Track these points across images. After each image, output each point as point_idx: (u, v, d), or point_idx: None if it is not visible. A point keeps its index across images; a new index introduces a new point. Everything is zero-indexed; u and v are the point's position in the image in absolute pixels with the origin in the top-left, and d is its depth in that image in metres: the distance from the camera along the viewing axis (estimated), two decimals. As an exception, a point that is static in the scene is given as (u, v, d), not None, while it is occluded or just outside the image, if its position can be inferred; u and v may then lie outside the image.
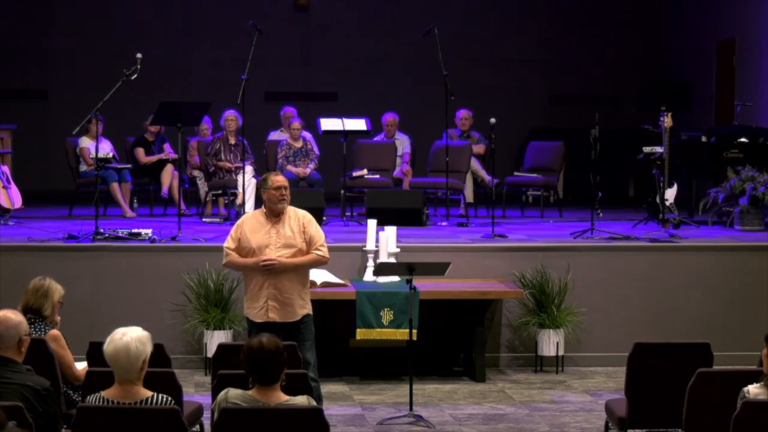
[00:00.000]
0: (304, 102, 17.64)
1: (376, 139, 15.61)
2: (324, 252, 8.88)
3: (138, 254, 11.40)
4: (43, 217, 14.08)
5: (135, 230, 11.82)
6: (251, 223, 8.90)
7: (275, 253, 8.77)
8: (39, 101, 18.93)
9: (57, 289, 7.87)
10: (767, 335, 6.45)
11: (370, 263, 11.03)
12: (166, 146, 15.40)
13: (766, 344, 6.45)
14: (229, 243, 8.89)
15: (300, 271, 8.89)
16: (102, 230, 11.72)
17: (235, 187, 14.20)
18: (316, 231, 8.91)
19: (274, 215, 8.87)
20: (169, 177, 15.11)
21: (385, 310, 10.46)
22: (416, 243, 11.72)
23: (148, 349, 6.13)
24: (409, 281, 9.41)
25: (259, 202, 14.04)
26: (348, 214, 14.31)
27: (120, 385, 6.11)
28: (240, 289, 11.07)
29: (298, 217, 8.90)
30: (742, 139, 14.02)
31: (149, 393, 6.13)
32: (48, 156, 17.56)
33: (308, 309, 8.92)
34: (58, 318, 7.95)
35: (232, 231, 8.94)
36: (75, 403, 7.31)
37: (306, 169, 14.59)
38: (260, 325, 8.68)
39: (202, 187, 15.16)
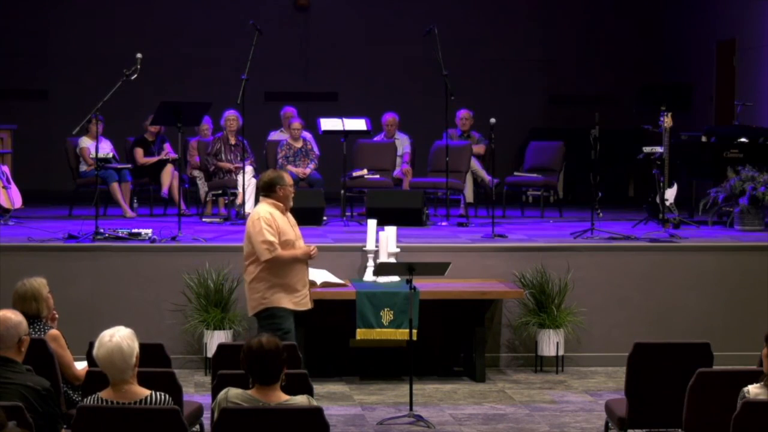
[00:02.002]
0: (304, 102, 17.64)
1: (376, 139, 15.62)
2: None
3: (138, 254, 11.39)
4: (43, 217, 14.09)
5: (135, 230, 11.81)
6: (279, 218, 9.15)
7: (303, 244, 9.30)
8: (39, 101, 18.93)
9: (40, 284, 7.77)
10: (767, 335, 6.45)
11: (370, 263, 11.02)
12: (166, 146, 15.40)
13: (766, 344, 6.45)
14: (273, 238, 9.03)
15: None
16: (102, 230, 11.72)
17: (235, 187, 14.21)
18: None
19: (286, 210, 9.23)
20: (169, 177, 15.10)
21: (385, 310, 10.46)
22: (416, 243, 11.71)
23: (137, 345, 6.17)
24: (409, 281, 9.41)
25: (257, 203, 14.05)
26: (348, 214, 14.30)
27: (115, 386, 6.11)
28: (240, 290, 11.08)
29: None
30: (742, 139, 14.02)
31: (147, 391, 6.13)
32: (48, 156, 17.54)
33: None
34: (56, 314, 7.93)
35: (268, 227, 9.02)
36: (75, 403, 7.31)
37: (306, 169, 14.59)
38: (302, 313, 9.31)
39: (202, 187, 15.16)
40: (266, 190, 9.23)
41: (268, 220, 9.05)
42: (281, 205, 9.17)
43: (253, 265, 9.16)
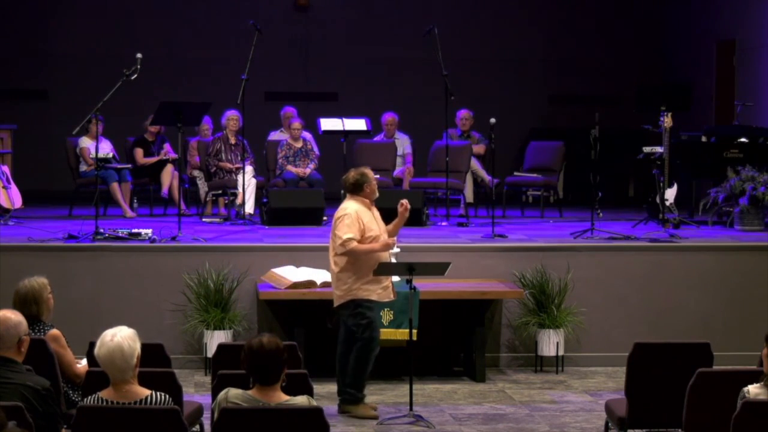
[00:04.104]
0: (304, 102, 17.64)
1: (376, 139, 15.61)
2: None
3: (138, 254, 11.39)
4: (43, 217, 14.08)
5: (135, 230, 11.81)
6: (365, 215, 9.48)
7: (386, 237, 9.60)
8: (39, 101, 18.91)
9: (41, 286, 7.76)
10: (767, 335, 6.45)
11: (370, 263, 11.02)
12: (166, 146, 15.40)
13: (766, 344, 6.45)
14: (352, 234, 9.32)
15: None
16: (102, 230, 11.72)
17: (235, 187, 14.21)
18: None
19: (372, 205, 9.56)
20: (169, 177, 15.10)
21: (385, 310, 10.46)
22: (416, 243, 11.71)
23: (139, 345, 6.17)
24: (409, 281, 9.42)
25: (257, 203, 14.07)
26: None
27: (116, 385, 6.11)
28: (240, 290, 11.10)
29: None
30: (742, 139, 14.03)
31: (147, 391, 6.13)
32: (48, 156, 17.54)
33: None
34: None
35: (352, 224, 9.35)
36: (75, 403, 7.30)
37: (306, 169, 14.59)
38: (383, 305, 9.87)
39: (202, 187, 15.16)
40: (354, 189, 9.55)
41: (353, 219, 9.35)
42: (368, 201, 9.53)
43: (340, 257, 9.45)
